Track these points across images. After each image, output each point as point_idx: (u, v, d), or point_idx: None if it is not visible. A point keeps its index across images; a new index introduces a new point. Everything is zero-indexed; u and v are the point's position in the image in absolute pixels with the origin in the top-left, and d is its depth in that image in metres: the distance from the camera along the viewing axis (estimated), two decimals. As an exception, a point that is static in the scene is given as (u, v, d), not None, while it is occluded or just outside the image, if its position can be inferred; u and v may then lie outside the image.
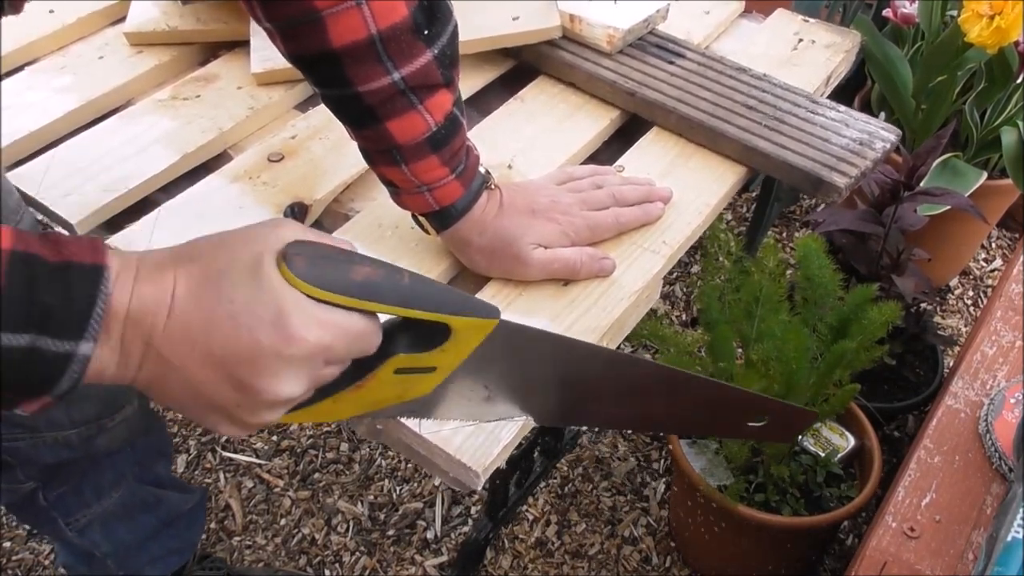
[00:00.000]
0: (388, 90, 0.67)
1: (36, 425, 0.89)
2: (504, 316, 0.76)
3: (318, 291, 0.48)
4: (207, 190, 0.88)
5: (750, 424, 0.74)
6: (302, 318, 0.47)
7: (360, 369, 0.54)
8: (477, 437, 0.68)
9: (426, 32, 0.67)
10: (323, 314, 0.48)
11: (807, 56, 1.08)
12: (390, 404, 0.58)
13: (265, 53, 0.98)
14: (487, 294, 0.79)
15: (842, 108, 0.97)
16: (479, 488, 0.69)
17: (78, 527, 1.02)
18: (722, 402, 0.73)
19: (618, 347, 0.85)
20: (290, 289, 0.47)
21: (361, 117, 0.70)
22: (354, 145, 0.76)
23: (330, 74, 0.68)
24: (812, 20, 1.14)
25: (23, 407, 0.46)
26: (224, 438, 1.51)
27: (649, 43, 1.04)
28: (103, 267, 0.45)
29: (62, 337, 0.44)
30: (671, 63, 1.02)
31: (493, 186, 0.78)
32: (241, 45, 1.05)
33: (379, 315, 0.52)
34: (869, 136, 0.94)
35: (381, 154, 0.72)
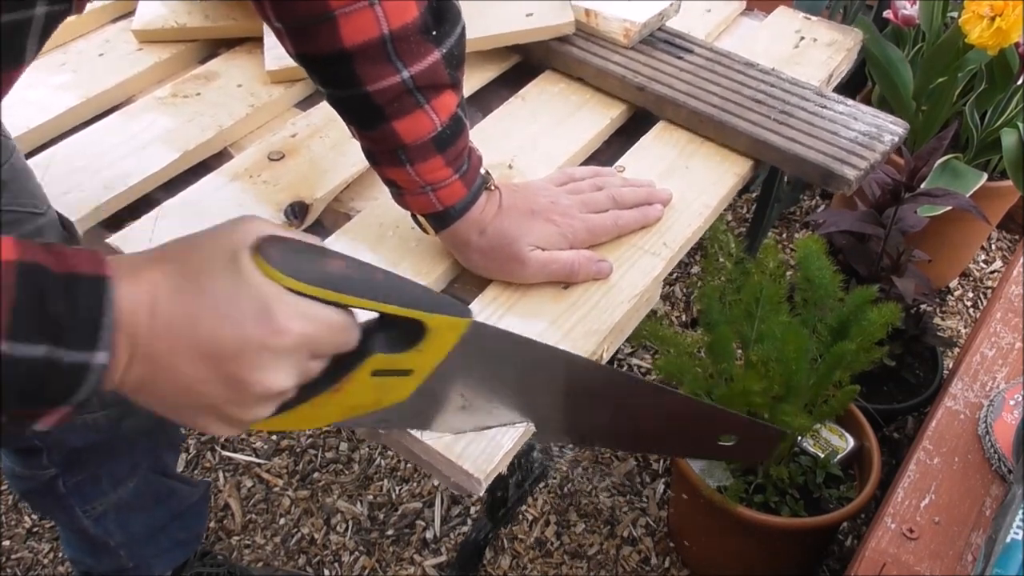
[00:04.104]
0: (396, 89, 0.67)
1: None
2: (505, 319, 0.77)
3: (295, 283, 0.48)
4: (207, 188, 0.88)
5: (720, 443, 0.74)
6: (286, 310, 0.47)
7: (338, 369, 0.54)
8: (478, 444, 0.68)
9: (434, 32, 0.67)
10: (304, 306, 0.48)
11: (808, 54, 1.08)
12: (368, 410, 0.58)
13: (279, 51, 0.98)
14: (488, 297, 0.79)
15: (850, 102, 0.98)
16: (480, 494, 0.69)
17: (94, 515, 1.03)
18: (687, 416, 0.73)
19: (618, 348, 0.85)
20: (269, 281, 0.47)
21: (368, 117, 0.70)
22: (355, 144, 0.76)
23: (339, 73, 0.68)
24: (813, 18, 1.14)
25: (42, 421, 0.46)
26: (223, 437, 1.50)
27: (658, 39, 1.05)
28: (106, 278, 0.45)
29: (75, 348, 0.44)
30: (680, 58, 1.02)
31: (493, 187, 0.78)
32: (242, 43, 1.05)
33: (355, 312, 0.52)
34: (877, 129, 0.94)
35: (386, 155, 0.72)
